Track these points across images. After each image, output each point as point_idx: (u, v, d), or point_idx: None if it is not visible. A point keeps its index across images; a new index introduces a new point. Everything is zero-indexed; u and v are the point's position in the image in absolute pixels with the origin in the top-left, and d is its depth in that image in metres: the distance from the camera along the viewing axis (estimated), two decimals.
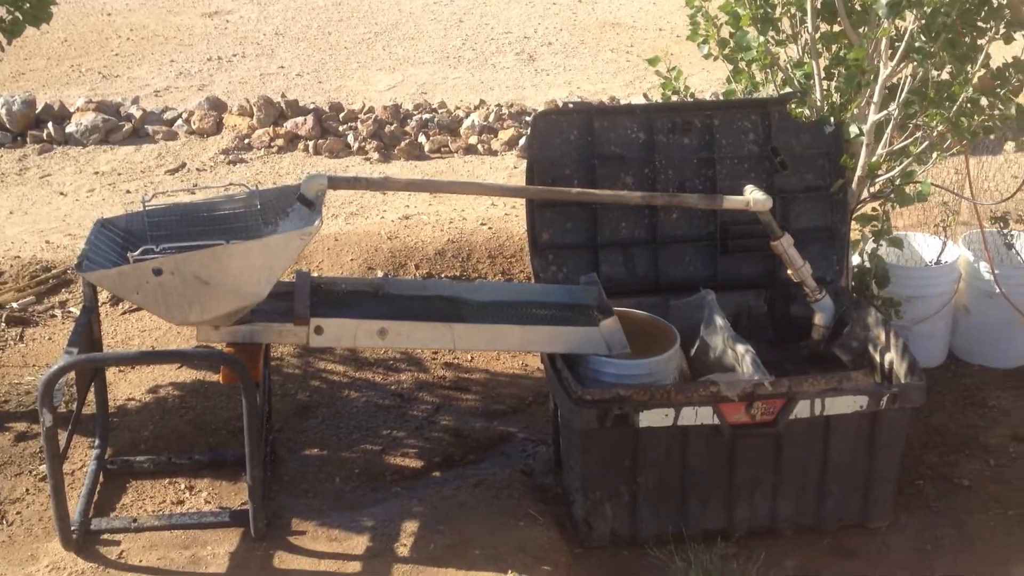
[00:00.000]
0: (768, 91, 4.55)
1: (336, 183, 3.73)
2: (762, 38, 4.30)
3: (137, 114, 7.89)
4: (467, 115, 8.00)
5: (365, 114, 7.89)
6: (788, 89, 4.50)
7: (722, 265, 4.42)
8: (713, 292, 4.21)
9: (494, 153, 7.61)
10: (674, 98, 4.71)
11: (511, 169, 7.32)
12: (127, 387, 4.62)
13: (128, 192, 6.90)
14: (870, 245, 4.72)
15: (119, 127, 7.77)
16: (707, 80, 8.93)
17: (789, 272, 4.21)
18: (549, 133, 4.29)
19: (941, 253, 4.95)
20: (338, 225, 6.19)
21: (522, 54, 9.88)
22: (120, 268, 3.48)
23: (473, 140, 7.69)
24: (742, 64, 4.60)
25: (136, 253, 3.45)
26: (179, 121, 7.90)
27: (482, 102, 8.33)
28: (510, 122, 7.88)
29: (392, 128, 7.71)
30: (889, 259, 4.82)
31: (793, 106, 4.33)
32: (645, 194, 4.00)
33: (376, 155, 7.45)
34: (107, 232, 3.78)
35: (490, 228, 5.92)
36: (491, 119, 7.89)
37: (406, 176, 7.12)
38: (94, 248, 3.64)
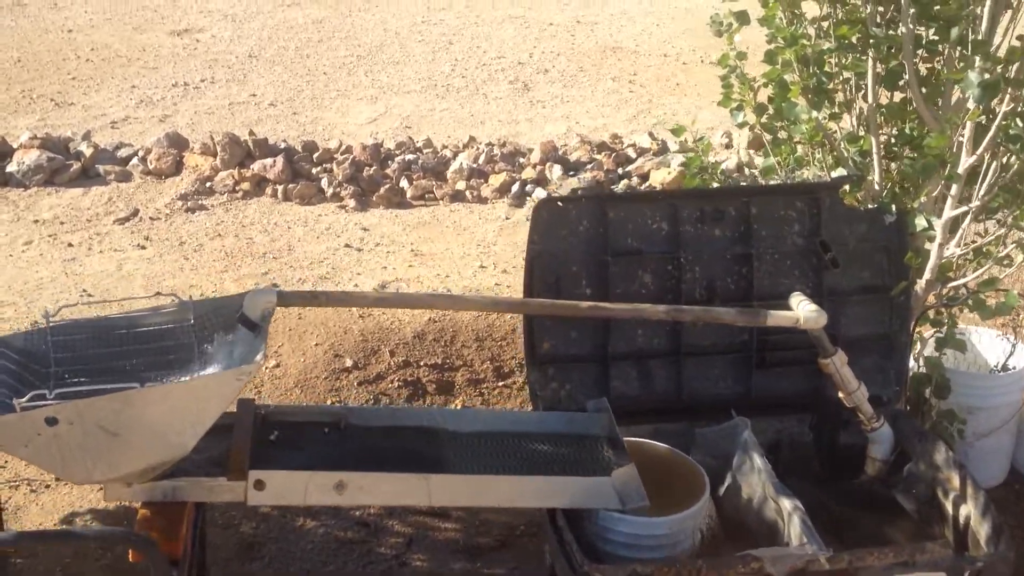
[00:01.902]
0: (815, 171, 3.79)
1: (287, 299, 2.96)
2: (815, 113, 3.54)
3: (87, 152, 7.10)
4: (455, 155, 7.24)
5: (342, 154, 7.12)
6: (840, 170, 3.74)
7: (758, 382, 3.67)
8: (748, 423, 3.45)
9: (484, 200, 6.86)
10: (698, 177, 3.94)
11: (502, 221, 6.56)
12: (38, 514, 3.84)
13: (70, 246, 6.10)
14: (929, 349, 3.98)
15: (66, 167, 6.97)
16: (720, 116, 8.18)
17: (840, 395, 3.46)
18: (553, 224, 3.53)
19: (1010, 356, 4.20)
20: None
21: (516, 82, 9.11)
22: (3, 418, 2.70)
23: (461, 185, 6.93)
24: (782, 134, 3.85)
25: (23, 400, 2.67)
26: (134, 160, 7.12)
27: (472, 139, 7.57)
28: (502, 164, 7.12)
29: (371, 171, 6.94)
30: (947, 362, 4.07)
31: (847, 190, 3.58)
32: (670, 308, 3.24)
33: (352, 202, 6.68)
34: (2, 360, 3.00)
35: None
36: (481, 160, 7.13)
37: (389, 223, 6.36)
38: None
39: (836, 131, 3.75)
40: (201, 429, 2.81)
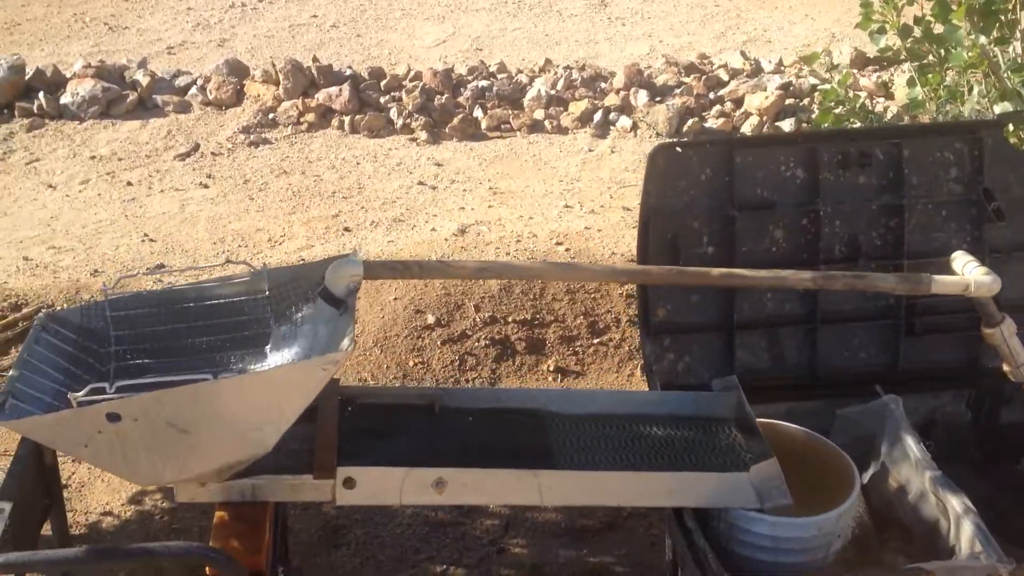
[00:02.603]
0: (972, 105, 3.27)
1: (375, 271, 2.55)
2: (981, 38, 3.01)
3: (144, 81, 6.70)
4: (531, 80, 6.74)
5: (411, 81, 6.65)
6: (1005, 104, 3.21)
7: (907, 352, 3.20)
8: (899, 401, 3.00)
9: (564, 131, 6.37)
10: (838, 111, 3.43)
11: (585, 153, 6.08)
12: (104, 491, 3.53)
13: (129, 184, 5.75)
14: None
15: (122, 97, 6.59)
16: (814, 31, 7.58)
17: (1005, 368, 2.99)
18: (671, 173, 3.06)
19: None
20: (380, 239, 5.01)
21: None
22: (58, 415, 2.34)
23: (539, 115, 6.44)
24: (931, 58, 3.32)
25: (80, 393, 2.31)
26: (193, 89, 6.71)
27: (548, 63, 7.05)
28: (582, 90, 6.61)
29: (443, 100, 6.47)
30: None
31: (1012, 129, 3.07)
32: (817, 275, 2.77)
33: (424, 134, 6.24)
34: (52, 336, 2.64)
35: (567, 249, 4.72)
36: (560, 86, 6.62)
37: (463, 157, 5.92)
38: (29, 367, 2.51)
39: (1000, 58, 3.22)
40: (283, 425, 2.43)
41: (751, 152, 3.11)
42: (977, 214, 3.14)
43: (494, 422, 2.86)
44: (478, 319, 4.29)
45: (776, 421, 2.96)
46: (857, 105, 3.46)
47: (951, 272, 2.90)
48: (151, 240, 5.12)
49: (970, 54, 3.05)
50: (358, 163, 5.99)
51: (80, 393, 2.31)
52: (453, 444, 2.75)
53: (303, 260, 4.66)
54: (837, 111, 3.41)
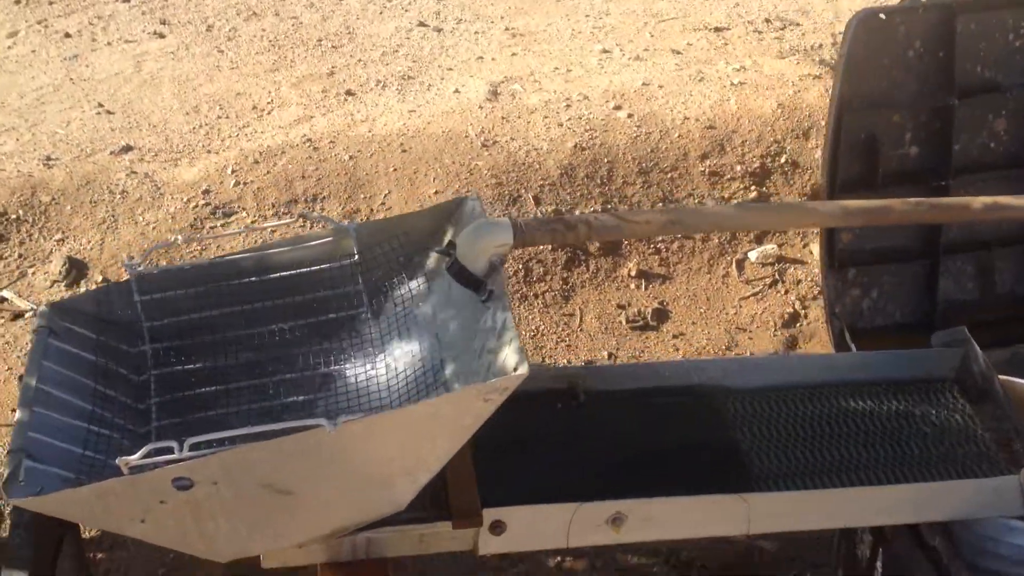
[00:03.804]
0: None
1: (527, 236, 1.75)
2: None
3: None
4: None
5: None
6: None
7: None
8: None
9: None
10: None
11: None
12: None
13: (68, 36, 4.69)
14: None
15: None
16: None
17: None
18: (872, 51, 2.28)
19: None
20: (394, 106, 4.11)
21: None
22: (102, 486, 1.57)
23: None
24: None
25: (136, 456, 1.53)
26: None
27: None
28: None
29: None
30: None
31: None
32: None
33: None
34: (65, 342, 1.82)
35: (631, 116, 3.90)
36: None
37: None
38: (43, 401, 1.71)
39: None
40: (423, 477, 1.70)
41: (976, 18, 2.32)
42: None
43: (658, 411, 2.15)
44: (539, 213, 3.50)
45: (1011, 379, 2.30)
46: None
47: None
48: (108, 112, 4.15)
49: None
50: None
51: (134, 457, 1.53)
52: (613, 450, 2.05)
53: (307, 139, 3.78)
54: None
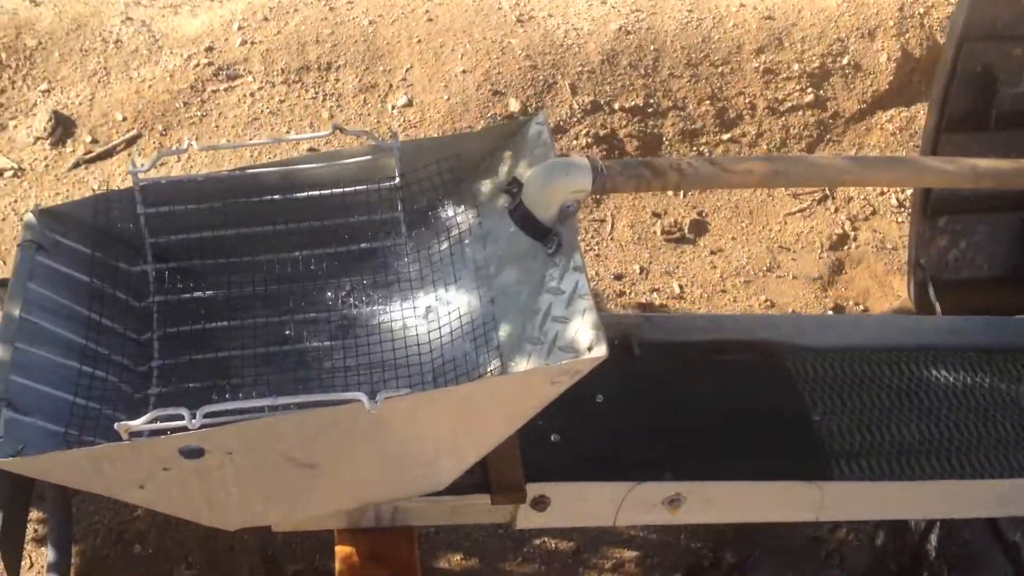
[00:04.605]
0: None
1: (611, 182, 1.48)
2: None
3: None
4: None
5: None
6: None
7: None
8: None
9: None
10: None
11: None
12: None
13: None
14: None
15: None
16: None
17: None
18: None
19: None
20: None
21: None
22: (96, 450, 1.33)
23: None
24: None
25: (138, 422, 1.29)
26: None
27: None
28: None
29: None
30: None
31: None
32: None
33: None
34: (54, 260, 1.54)
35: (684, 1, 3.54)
36: None
37: None
38: (28, 335, 1.44)
39: None
40: (471, 458, 1.47)
41: None
42: None
43: (720, 371, 1.92)
44: (575, 105, 3.19)
45: None
46: None
47: None
48: None
49: None
50: None
51: (136, 423, 1.29)
52: (669, 414, 1.82)
53: None
54: None
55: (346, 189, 1.66)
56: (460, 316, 1.57)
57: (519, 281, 1.53)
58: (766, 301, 2.92)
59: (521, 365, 1.44)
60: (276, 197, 1.64)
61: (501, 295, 1.55)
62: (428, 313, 1.61)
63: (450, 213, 1.67)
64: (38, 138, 3.07)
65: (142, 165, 1.59)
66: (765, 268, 3.03)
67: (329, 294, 1.65)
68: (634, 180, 1.51)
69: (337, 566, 1.58)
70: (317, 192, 1.65)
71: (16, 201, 2.91)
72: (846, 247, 3.13)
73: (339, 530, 1.63)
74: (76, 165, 3.02)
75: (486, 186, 1.67)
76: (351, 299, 1.65)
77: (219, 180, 1.64)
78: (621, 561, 2.29)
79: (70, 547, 1.88)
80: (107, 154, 3.05)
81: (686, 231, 3.10)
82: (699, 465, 1.70)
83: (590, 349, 1.36)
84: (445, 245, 1.65)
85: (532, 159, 1.61)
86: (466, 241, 1.64)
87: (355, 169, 1.66)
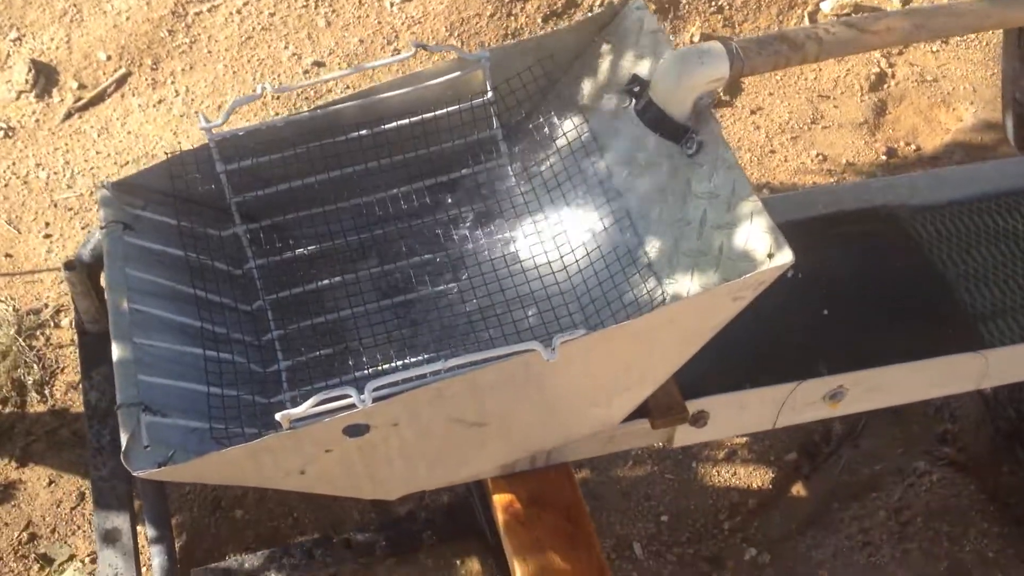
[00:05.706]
0: None
1: (749, 62, 1.33)
2: None
3: None
4: None
5: None
6: None
7: None
8: None
9: None
10: None
11: None
12: None
13: None
14: None
15: None
16: None
17: None
18: None
19: None
20: None
21: None
22: (257, 444, 1.21)
23: None
24: None
25: (300, 409, 1.16)
26: None
27: None
28: None
29: None
30: None
31: None
32: None
33: None
34: (141, 240, 1.39)
35: None
36: None
37: None
38: (144, 325, 1.30)
39: None
40: (647, 390, 1.36)
41: None
42: None
43: (844, 242, 1.80)
44: None
45: None
46: None
47: None
48: None
49: None
50: None
51: (299, 410, 1.16)
52: (810, 304, 1.71)
53: None
54: None
55: (437, 112, 1.50)
56: (596, 238, 1.44)
57: (658, 189, 1.39)
58: (818, 156, 2.80)
59: (683, 282, 1.32)
60: (364, 132, 1.48)
61: (637, 208, 1.41)
62: (556, 239, 1.48)
63: (554, 122, 1.52)
64: (20, 92, 2.84)
65: (213, 120, 1.42)
66: (809, 121, 2.90)
67: (438, 231, 1.51)
68: (773, 57, 1.37)
69: (500, 516, 1.49)
70: (407, 120, 1.49)
71: (14, 164, 2.70)
72: (885, 86, 3.00)
73: (492, 478, 1.52)
74: (68, 116, 2.80)
75: (587, 87, 1.52)
76: (464, 232, 1.51)
77: (299, 123, 1.47)
78: (734, 448, 2.22)
79: (169, 521, 1.79)
80: (98, 99, 2.83)
81: (721, 93, 2.95)
82: (855, 354, 1.60)
83: (771, 256, 1.24)
84: (556, 159, 1.51)
85: (639, 51, 1.45)
86: (577, 151, 1.49)
87: (442, 89, 1.50)
